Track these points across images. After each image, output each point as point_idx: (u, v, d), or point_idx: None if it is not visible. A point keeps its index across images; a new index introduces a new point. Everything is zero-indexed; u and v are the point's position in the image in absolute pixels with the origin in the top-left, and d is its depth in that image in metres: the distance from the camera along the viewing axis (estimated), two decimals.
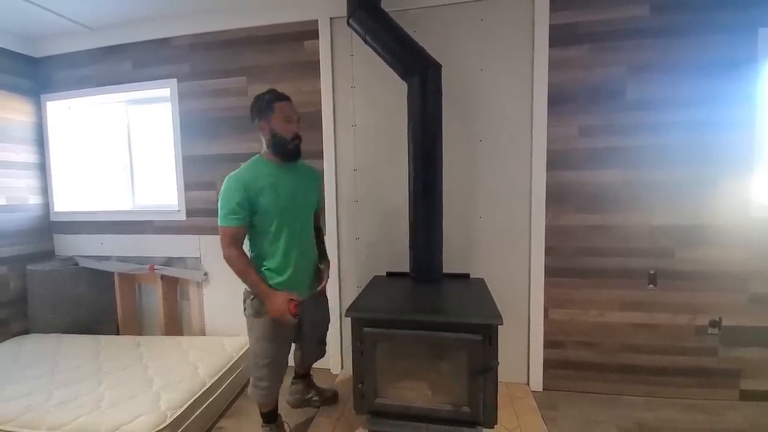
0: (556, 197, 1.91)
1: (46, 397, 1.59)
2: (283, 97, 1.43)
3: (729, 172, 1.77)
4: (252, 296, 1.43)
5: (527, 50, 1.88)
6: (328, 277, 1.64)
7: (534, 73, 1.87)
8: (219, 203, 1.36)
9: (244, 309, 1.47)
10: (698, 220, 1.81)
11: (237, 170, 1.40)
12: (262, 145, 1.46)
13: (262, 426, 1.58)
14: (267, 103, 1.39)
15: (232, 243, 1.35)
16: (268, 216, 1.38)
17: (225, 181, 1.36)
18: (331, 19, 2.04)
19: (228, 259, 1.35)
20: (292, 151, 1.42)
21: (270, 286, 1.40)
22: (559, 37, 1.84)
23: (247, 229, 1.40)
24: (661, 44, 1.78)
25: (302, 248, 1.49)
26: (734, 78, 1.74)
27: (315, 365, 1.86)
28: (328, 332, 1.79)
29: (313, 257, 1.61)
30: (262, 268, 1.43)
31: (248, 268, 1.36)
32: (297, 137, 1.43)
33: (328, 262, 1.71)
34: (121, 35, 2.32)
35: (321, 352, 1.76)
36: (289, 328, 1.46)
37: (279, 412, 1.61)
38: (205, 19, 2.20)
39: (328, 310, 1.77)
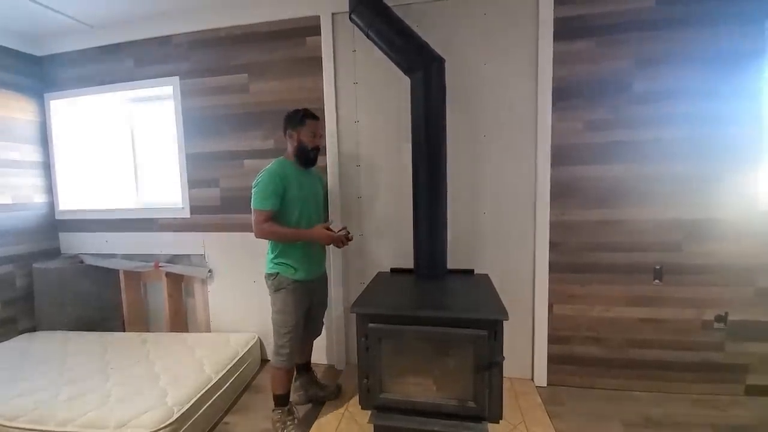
0: (560, 192, 1.90)
1: (54, 394, 1.61)
2: (315, 116, 1.69)
3: (737, 165, 1.75)
4: (272, 276, 1.65)
5: (532, 44, 1.86)
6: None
7: (539, 68, 1.85)
8: (255, 190, 1.59)
9: (268, 289, 1.67)
10: (705, 215, 1.79)
11: (269, 166, 1.64)
12: (287, 149, 1.70)
13: (273, 410, 1.64)
14: (301, 118, 1.65)
15: (268, 219, 1.58)
16: (292, 205, 1.63)
17: (261, 174, 1.61)
18: (333, 14, 2.02)
19: (264, 233, 1.59)
20: (311, 159, 1.69)
21: (290, 270, 1.64)
22: (564, 31, 1.82)
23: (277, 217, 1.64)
24: (668, 36, 1.75)
25: None
26: (742, 70, 1.71)
27: (319, 361, 1.88)
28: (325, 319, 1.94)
29: (323, 246, 1.82)
30: (280, 261, 1.65)
31: (282, 228, 1.61)
32: (316, 148, 1.68)
33: None
34: (122, 33, 2.32)
35: (320, 329, 1.92)
36: (302, 301, 1.65)
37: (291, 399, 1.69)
38: (206, 16, 2.19)
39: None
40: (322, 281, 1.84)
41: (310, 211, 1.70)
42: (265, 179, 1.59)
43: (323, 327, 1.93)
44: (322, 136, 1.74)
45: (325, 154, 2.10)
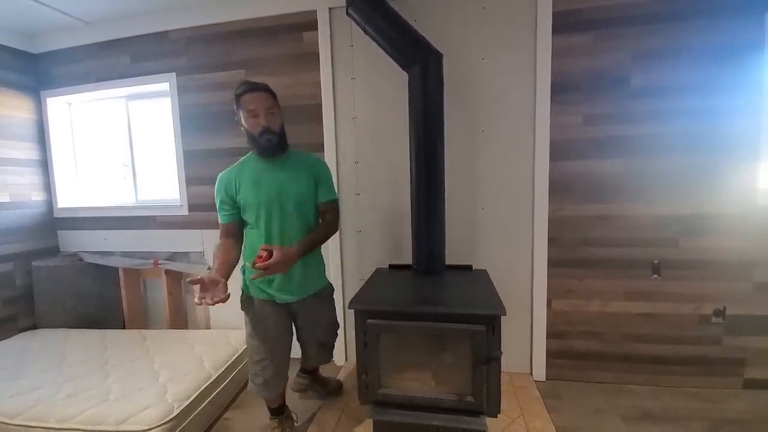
0: (559, 187, 1.90)
1: (54, 391, 1.61)
2: (250, 89, 1.31)
3: (735, 160, 1.75)
4: (241, 293, 1.48)
5: (530, 38, 1.85)
6: (279, 257, 1.25)
7: (537, 62, 1.84)
8: None
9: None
10: (704, 209, 1.79)
11: (227, 168, 1.45)
12: None
13: (270, 418, 1.60)
14: (236, 98, 1.33)
15: (222, 234, 1.44)
16: (248, 211, 1.39)
17: None
18: (330, 9, 2.01)
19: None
20: (264, 147, 1.33)
21: (255, 289, 1.44)
22: (562, 24, 1.81)
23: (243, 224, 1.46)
24: (667, 30, 1.74)
25: (288, 244, 1.36)
26: (741, 64, 1.70)
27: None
28: (335, 337, 1.68)
29: (315, 260, 1.52)
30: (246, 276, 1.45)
31: (217, 251, 1.37)
32: (267, 131, 1.31)
33: (302, 247, 1.36)
34: (118, 29, 2.30)
35: (323, 356, 1.65)
36: (273, 326, 1.44)
37: (286, 403, 1.64)
38: (202, 12, 2.17)
39: (333, 313, 1.65)
40: (312, 303, 1.50)
41: (277, 215, 1.36)
42: (215, 189, 1.40)
43: (329, 352, 1.68)
44: (273, 113, 1.32)
45: (323, 151, 2.09)
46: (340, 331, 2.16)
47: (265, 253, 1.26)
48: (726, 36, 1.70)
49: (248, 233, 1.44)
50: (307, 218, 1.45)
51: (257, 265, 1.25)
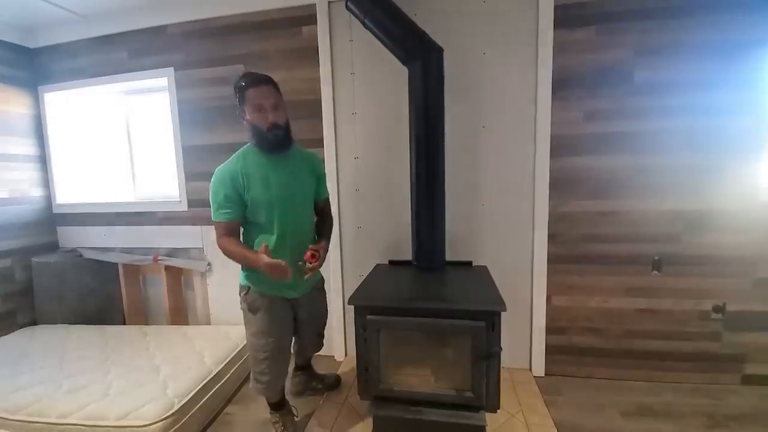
0: (560, 183, 1.89)
1: (55, 386, 1.62)
2: (256, 82, 1.29)
3: (738, 156, 1.74)
4: (244, 290, 1.43)
5: (532, 32, 1.82)
6: (321, 255, 1.40)
7: (538, 56, 1.82)
8: (210, 198, 1.35)
9: (240, 304, 1.45)
10: (705, 206, 1.78)
11: (225, 162, 1.37)
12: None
13: (270, 413, 1.61)
14: (240, 92, 1.30)
15: (224, 234, 1.34)
16: (259, 209, 1.34)
17: (213, 174, 1.35)
18: (329, 2, 1.98)
19: (221, 249, 1.34)
20: (271, 142, 1.31)
21: (263, 285, 1.41)
22: (564, 19, 1.79)
23: (241, 222, 1.39)
24: (671, 25, 1.72)
25: (298, 242, 1.41)
26: (746, 60, 1.68)
27: (317, 353, 1.87)
28: (326, 326, 1.77)
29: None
30: (252, 273, 1.40)
31: (237, 247, 1.31)
32: (275, 126, 1.30)
33: (325, 244, 1.51)
34: (116, 24, 2.28)
35: (319, 345, 1.76)
36: (282, 322, 1.46)
37: (286, 398, 1.64)
38: (200, 6, 2.14)
39: (326, 304, 1.74)
40: (314, 296, 1.58)
41: (286, 212, 1.36)
42: (214, 184, 1.33)
43: (323, 339, 1.77)
44: (277, 107, 1.31)
45: (323, 146, 2.08)
46: (341, 327, 2.19)
47: (317, 253, 1.39)
48: (731, 31, 1.68)
49: (250, 232, 1.41)
50: (311, 216, 1.51)
51: (313, 265, 1.37)
